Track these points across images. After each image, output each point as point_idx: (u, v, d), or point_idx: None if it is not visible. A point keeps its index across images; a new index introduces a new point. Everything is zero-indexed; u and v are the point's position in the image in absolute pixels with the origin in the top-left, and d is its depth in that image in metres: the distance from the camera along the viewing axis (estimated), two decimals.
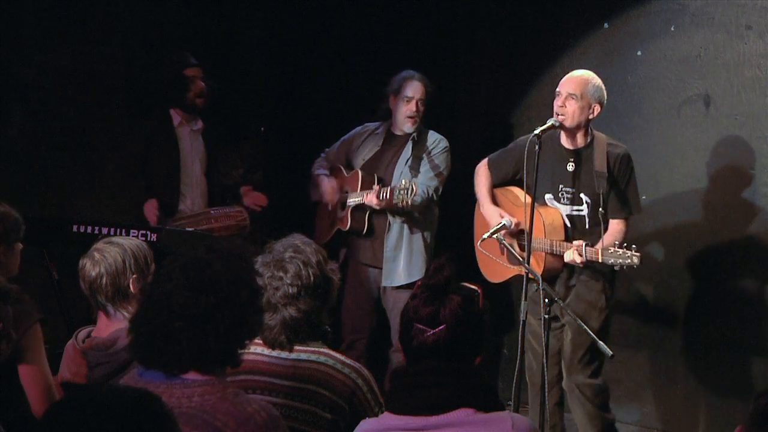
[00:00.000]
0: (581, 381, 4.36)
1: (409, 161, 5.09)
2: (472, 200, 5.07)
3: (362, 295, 5.21)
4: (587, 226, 4.24)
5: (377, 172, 5.12)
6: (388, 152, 5.18)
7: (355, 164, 5.25)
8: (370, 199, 4.89)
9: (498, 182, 4.56)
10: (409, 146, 5.13)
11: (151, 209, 5.19)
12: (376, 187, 4.92)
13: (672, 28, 5.12)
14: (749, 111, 4.89)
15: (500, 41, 5.87)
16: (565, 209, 4.30)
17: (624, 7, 5.28)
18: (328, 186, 5.22)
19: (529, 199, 4.29)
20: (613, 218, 4.28)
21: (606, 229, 4.23)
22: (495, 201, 4.56)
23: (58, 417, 1.59)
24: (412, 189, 4.65)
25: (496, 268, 4.50)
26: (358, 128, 5.35)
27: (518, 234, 4.36)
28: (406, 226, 5.09)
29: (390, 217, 5.08)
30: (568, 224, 4.29)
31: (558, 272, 4.33)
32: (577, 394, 4.39)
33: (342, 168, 5.30)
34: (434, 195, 5.05)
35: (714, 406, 5.04)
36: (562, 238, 4.27)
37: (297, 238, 2.84)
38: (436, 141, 5.14)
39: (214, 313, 2.21)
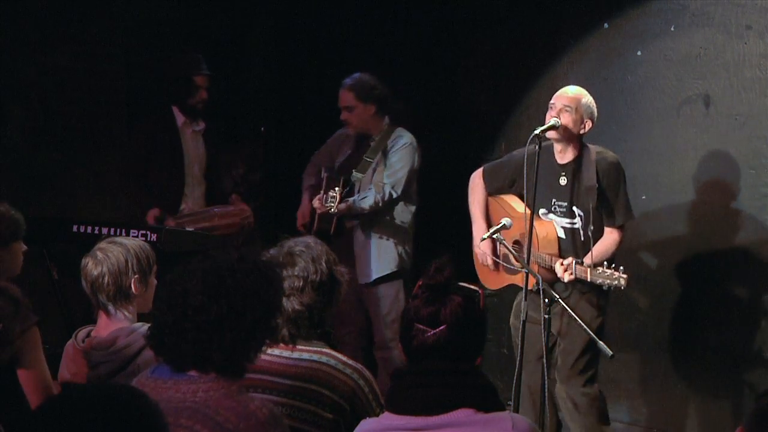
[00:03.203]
0: (576, 391, 4.34)
1: (363, 162, 5.17)
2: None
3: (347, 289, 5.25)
4: (582, 239, 4.24)
5: (345, 174, 5.18)
6: (356, 154, 5.27)
7: (336, 166, 5.35)
8: (315, 204, 5.02)
9: (493, 192, 4.55)
10: (370, 148, 5.21)
11: (152, 217, 5.19)
12: (321, 193, 5.02)
13: (672, 28, 5.12)
14: (749, 111, 4.88)
15: (500, 41, 5.87)
16: (559, 222, 4.30)
17: (624, 7, 5.28)
18: (299, 212, 5.36)
19: (527, 210, 4.30)
20: (606, 227, 4.29)
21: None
22: (488, 210, 4.55)
23: (46, 414, 1.62)
24: (336, 197, 4.81)
25: (492, 276, 4.50)
26: (339, 131, 5.44)
27: (513, 245, 4.34)
28: (371, 224, 5.16)
29: (345, 222, 5.17)
30: (563, 237, 4.29)
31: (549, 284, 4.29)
32: (569, 406, 4.37)
33: (322, 170, 5.40)
34: (393, 192, 5.08)
35: (711, 406, 5.04)
36: (556, 250, 4.26)
37: (310, 238, 2.90)
38: (395, 139, 5.20)
39: (221, 324, 2.24)
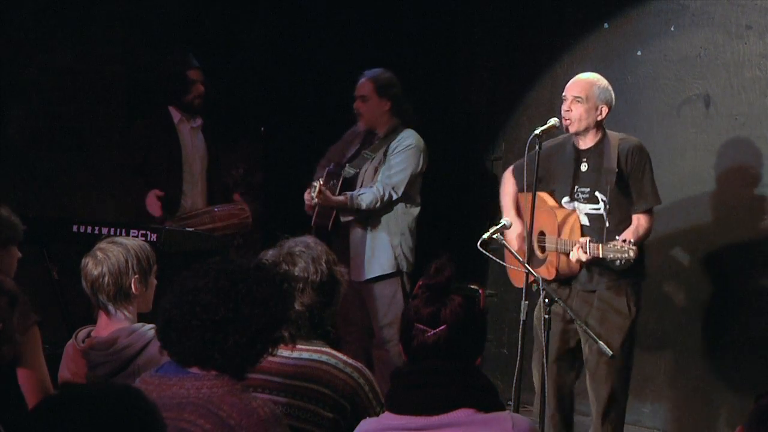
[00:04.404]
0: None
1: (360, 157, 5.18)
2: (474, 200, 5.09)
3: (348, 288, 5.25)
4: (608, 224, 4.19)
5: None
6: (363, 152, 5.26)
7: (344, 161, 5.34)
8: (305, 197, 5.05)
9: (522, 189, 4.53)
10: (375, 146, 5.19)
11: (153, 202, 5.16)
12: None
13: (672, 28, 5.12)
14: (749, 111, 4.89)
15: (500, 41, 5.88)
16: (583, 209, 4.28)
17: (624, 7, 5.28)
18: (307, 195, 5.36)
19: (552, 201, 4.29)
20: (635, 213, 4.25)
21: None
22: (518, 206, 4.52)
23: (43, 413, 1.63)
24: (316, 188, 4.84)
25: (516, 273, 4.47)
26: (353, 127, 5.42)
27: (538, 235, 4.34)
28: (369, 223, 5.14)
29: (341, 217, 5.15)
30: (587, 223, 4.27)
31: (574, 274, 4.29)
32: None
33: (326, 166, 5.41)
34: (392, 193, 5.05)
35: (715, 405, 5.04)
36: (579, 237, 4.23)
37: (310, 238, 2.90)
38: (400, 139, 5.15)
39: (226, 326, 2.26)
